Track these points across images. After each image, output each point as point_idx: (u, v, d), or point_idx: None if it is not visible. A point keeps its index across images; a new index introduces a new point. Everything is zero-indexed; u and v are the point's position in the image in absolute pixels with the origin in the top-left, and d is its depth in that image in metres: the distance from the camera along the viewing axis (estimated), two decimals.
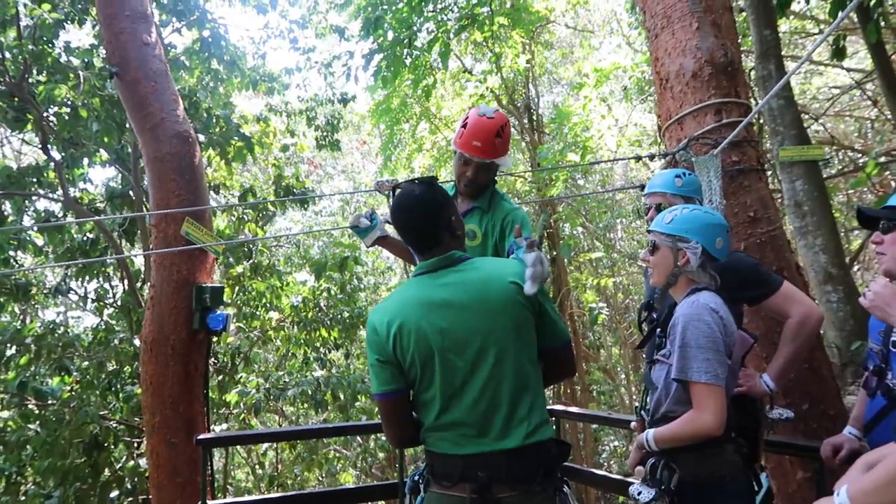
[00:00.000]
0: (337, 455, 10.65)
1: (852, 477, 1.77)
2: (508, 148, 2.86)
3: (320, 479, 10.55)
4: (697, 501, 2.14)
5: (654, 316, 2.78)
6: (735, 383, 2.23)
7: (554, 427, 1.97)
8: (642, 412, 2.34)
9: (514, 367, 1.85)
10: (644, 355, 2.99)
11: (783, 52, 6.70)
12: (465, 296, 1.87)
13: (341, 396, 8.54)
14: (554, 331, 1.97)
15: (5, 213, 7.67)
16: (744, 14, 7.03)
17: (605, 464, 12.94)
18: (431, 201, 1.97)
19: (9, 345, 7.24)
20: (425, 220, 1.96)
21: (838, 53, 5.78)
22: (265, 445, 10.37)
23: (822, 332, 4.84)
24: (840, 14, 3.06)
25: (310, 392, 8.18)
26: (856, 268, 9.20)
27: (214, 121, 8.11)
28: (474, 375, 1.84)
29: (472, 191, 2.83)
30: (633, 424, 2.68)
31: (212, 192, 8.39)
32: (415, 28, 7.84)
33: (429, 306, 1.88)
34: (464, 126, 2.76)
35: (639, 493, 2.13)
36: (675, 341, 2.13)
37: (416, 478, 2.00)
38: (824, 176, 6.89)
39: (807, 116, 8.20)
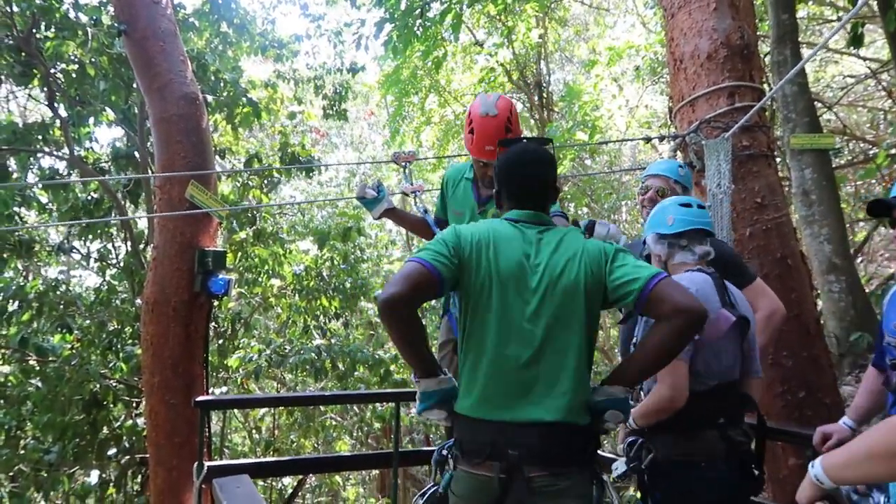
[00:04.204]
0: (333, 423, 10.75)
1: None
2: (521, 129, 2.81)
3: (316, 446, 10.65)
4: (668, 481, 2.17)
5: None
6: (718, 362, 2.18)
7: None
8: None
9: (568, 343, 1.77)
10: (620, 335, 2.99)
11: (800, 38, 6.60)
12: (546, 257, 1.82)
13: (340, 365, 8.59)
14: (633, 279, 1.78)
15: (10, 170, 7.64)
16: None
17: (602, 444, 13.03)
18: (550, 158, 2.05)
19: (11, 300, 7.28)
20: (543, 175, 2.01)
21: (856, 41, 5.68)
22: (263, 410, 10.46)
23: (822, 322, 4.83)
24: (859, 0, 3.00)
25: (311, 360, 8.22)
26: (859, 259, 9.16)
27: (222, 84, 8.04)
28: (529, 327, 1.76)
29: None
30: None
31: (217, 157, 8.34)
32: None
33: (516, 244, 1.84)
34: (471, 132, 2.71)
35: (615, 468, 2.27)
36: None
37: (444, 451, 1.91)
38: (834, 165, 6.83)
39: (820, 104, 8.09)
